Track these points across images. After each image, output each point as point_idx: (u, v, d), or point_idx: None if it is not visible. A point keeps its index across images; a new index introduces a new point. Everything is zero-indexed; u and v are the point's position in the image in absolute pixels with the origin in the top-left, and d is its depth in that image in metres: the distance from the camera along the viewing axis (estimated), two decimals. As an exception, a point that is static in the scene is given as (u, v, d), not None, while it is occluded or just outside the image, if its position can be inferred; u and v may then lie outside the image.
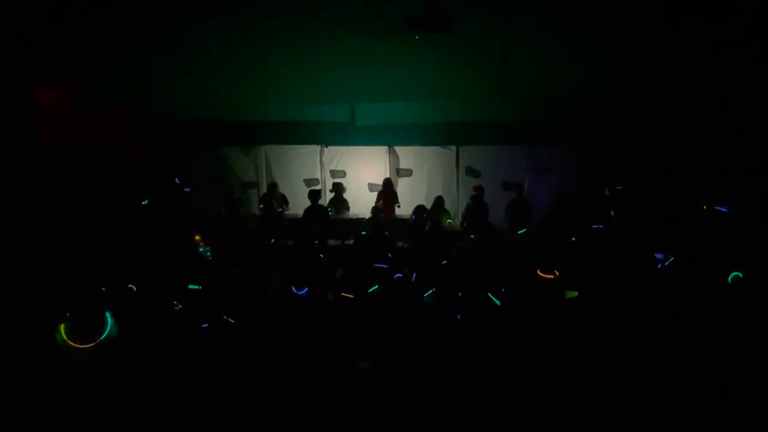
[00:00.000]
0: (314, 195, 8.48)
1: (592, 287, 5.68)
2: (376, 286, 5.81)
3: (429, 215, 7.94)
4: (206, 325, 5.62)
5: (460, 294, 5.85)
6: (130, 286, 5.85)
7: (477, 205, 8.46)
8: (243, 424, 4.69)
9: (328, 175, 10.24)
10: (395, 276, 5.87)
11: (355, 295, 6.07)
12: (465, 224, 8.46)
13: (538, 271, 5.51)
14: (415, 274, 6.23)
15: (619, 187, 8.83)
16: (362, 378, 5.33)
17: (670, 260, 6.50)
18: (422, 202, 8.42)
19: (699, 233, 6.94)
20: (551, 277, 5.48)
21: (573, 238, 7.29)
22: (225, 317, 5.61)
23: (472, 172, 10.01)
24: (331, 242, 8.09)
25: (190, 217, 8.43)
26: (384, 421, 4.70)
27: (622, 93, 8.14)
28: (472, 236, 7.49)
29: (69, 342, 4.77)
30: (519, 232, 8.13)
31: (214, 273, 6.15)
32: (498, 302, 5.63)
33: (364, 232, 7.32)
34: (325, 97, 8.69)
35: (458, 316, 5.70)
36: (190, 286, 5.71)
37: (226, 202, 8.98)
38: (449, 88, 8.61)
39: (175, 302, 5.78)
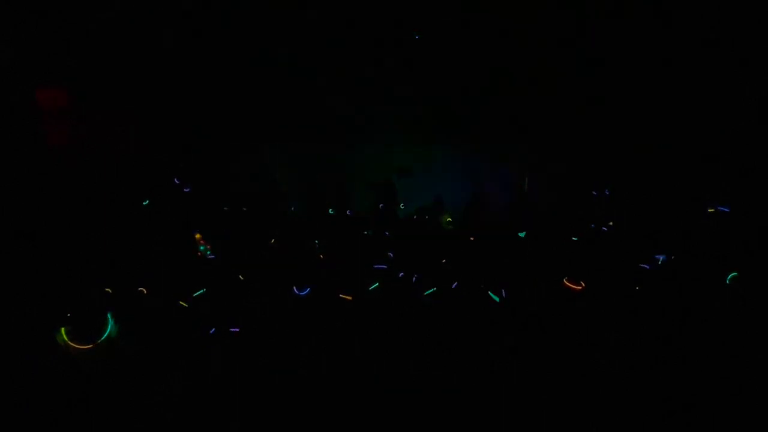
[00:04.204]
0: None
1: (592, 287, 5.69)
2: (377, 284, 5.82)
3: (427, 215, 7.94)
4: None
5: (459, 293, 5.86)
6: (140, 289, 5.82)
7: (471, 206, 8.46)
8: (243, 423, 4.71)
9: (328, 175, 10.20)
10: (395, 276, 5.87)
11: (355, 295, 6.07)
12: (459, 225, 8.44)
13: (565, 281, 5.53)
14: (414, 275, 6.24)
15: (617, 188, 8.82)
16: (363, 377, 5.34)
17: (672, 260, 6.51)
18: (422, 202, 8.42)
19: (699, 233, 6.94)
20: (578, 288, 5.51)
21: (571, 239, 7.29)
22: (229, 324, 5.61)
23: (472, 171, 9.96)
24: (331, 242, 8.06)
25: (191, 216, 8.42)
26: (384, 421, 4.71)
27: (621, 91, 8.12)
28: (471, 237, 7.49)
29: (70, 343, 4.77)
30: (520, 234, 8.11)
31: (216, 273, 6.15)
32: (497, 299, 5.64)
33: (364, 232, 7.33)
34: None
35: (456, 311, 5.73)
36: (196, 294, 5.71)
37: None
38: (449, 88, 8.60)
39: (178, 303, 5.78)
